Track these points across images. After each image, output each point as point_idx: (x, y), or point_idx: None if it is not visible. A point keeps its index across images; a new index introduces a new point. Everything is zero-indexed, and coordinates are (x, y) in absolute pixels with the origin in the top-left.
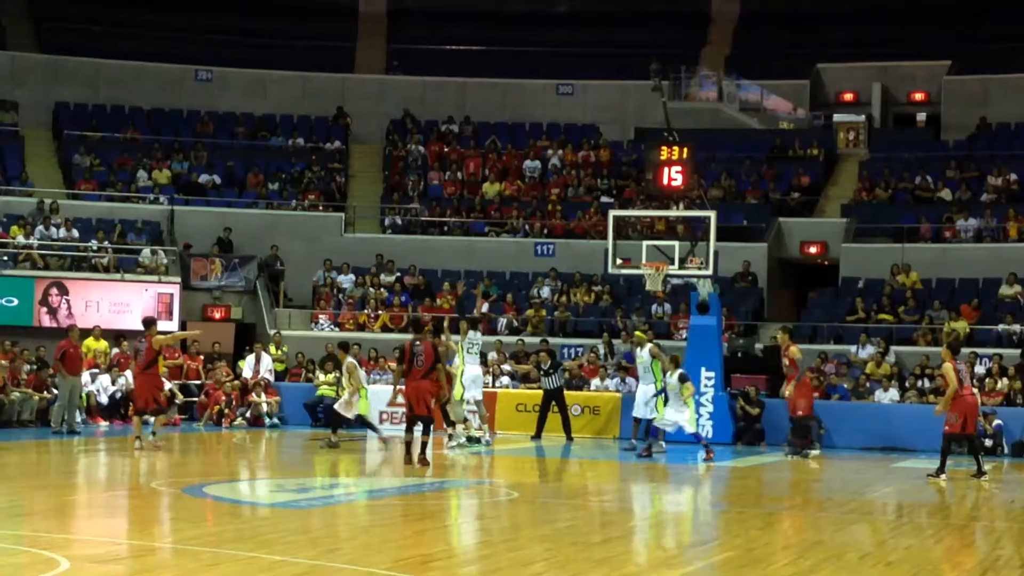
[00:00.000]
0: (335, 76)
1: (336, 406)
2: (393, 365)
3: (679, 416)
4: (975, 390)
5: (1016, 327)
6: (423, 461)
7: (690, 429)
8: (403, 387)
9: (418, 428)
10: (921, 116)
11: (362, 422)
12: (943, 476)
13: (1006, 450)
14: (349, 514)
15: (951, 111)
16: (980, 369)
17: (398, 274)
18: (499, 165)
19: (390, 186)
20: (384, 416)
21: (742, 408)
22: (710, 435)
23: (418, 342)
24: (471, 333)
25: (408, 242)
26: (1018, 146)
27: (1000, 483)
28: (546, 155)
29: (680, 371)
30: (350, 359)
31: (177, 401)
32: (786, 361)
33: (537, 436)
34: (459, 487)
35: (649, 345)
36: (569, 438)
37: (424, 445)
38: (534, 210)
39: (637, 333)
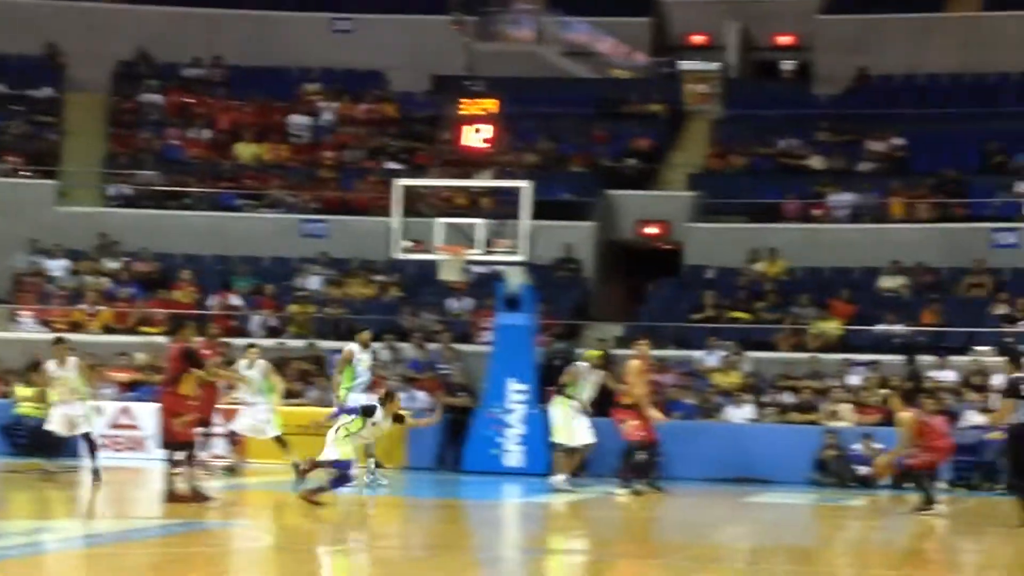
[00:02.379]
0: (44, 1)
1: (50, 425)
2: (116, 375)
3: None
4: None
5: (898, 327)
6: (176, 496)
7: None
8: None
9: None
10: (788, 65)
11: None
12: (935, 509)
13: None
14: (57, 568)
15: (824, 59)
16: (855, 379)
17: (125, 259)
18: (258, 121)
19: (117, 147)
20: (107, 441)
21: None
22: (521, 463)
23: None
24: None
25: (139, 218)
26: (904, 102)
27: (876, 521)
28: (317, 108)
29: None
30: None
31: None
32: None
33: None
34: (198, 531)
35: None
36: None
37: (172, 477)
38: (301, 179)
39: (592, 353)
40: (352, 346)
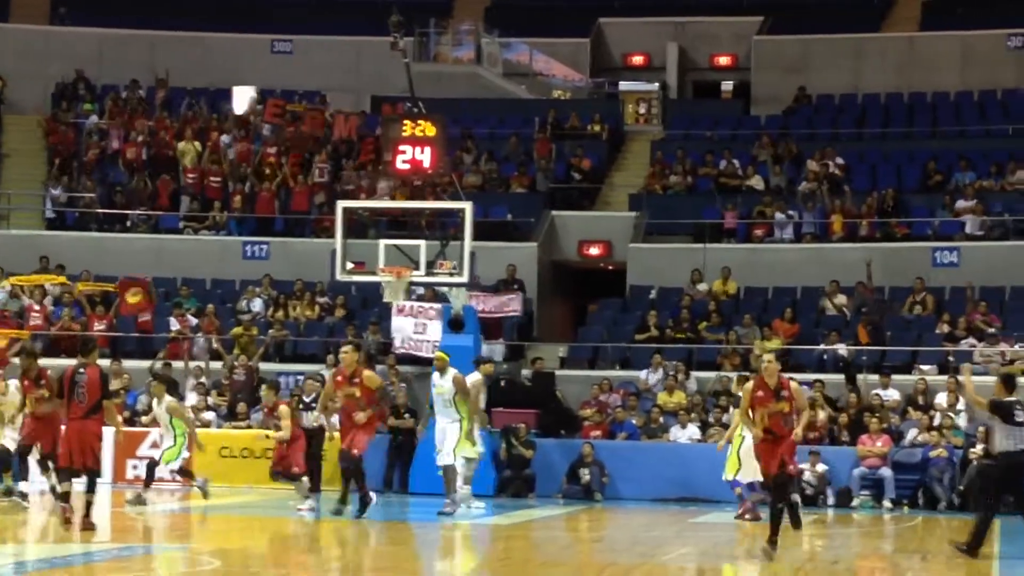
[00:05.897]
0: None
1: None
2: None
3: None
4: None
5: (841, 347)
6: (87, 525)
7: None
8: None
9: (80, 483)
10: (727, 84)
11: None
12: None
13: (830, 499)
14: None
15: (763, 79)
16: None
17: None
18: (197, 142)
19: (57, 169)
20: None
21: (508, 451)
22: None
23: (81, 369)
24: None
25: (81, 241)
26: (844, 122)
27: (822, 540)
28: (257, 129)
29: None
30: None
31: None
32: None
33: (316, 489)
34: (144, 555)
35: (454, 371)
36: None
37: (88, 505)
38: (242, 200)
39: (439, 355)
40: (478, 376)
